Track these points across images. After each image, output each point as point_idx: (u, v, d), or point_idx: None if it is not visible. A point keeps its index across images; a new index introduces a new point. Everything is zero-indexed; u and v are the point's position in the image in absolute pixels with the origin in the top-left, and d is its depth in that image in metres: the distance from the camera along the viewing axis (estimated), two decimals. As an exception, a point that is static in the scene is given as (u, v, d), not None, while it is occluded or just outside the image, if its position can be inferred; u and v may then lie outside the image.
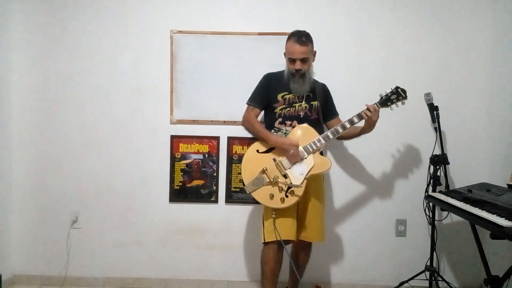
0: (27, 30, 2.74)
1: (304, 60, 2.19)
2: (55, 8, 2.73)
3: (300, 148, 2.16)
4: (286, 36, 2.29)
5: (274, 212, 2.14)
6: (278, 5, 2.72)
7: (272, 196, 2.13)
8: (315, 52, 2.32)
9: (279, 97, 2.29)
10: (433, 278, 2.52)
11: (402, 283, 2.59)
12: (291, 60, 2.21)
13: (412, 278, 2.55)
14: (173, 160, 2.76)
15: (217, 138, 2.75)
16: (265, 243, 2.19)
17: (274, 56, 2.63)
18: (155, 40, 2.73)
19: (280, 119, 2.29)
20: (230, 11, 2.72)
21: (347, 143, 2.68)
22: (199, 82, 2.73)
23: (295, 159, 2.15)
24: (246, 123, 2.36)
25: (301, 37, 2.18)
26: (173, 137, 2.75)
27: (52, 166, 2.77)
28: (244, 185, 2.19)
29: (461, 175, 2.70)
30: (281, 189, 2.13)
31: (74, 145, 2.77)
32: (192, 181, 2.77)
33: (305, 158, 2.15)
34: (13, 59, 2.74)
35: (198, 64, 2.72)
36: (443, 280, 2.54)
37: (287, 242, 2.18)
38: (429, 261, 2.54)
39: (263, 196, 2.15)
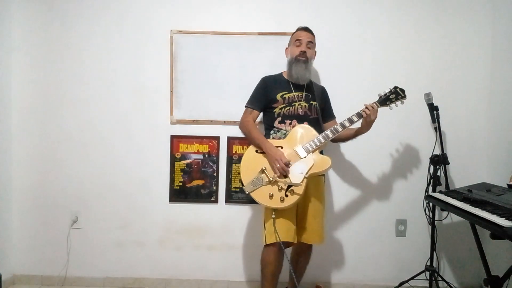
0: (28, 30, 2.74)
1: (309, 45, 2.26)
2: (55, 8, 2.74)
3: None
4: (286, 36, 2.41)
5: (274, 213, 2.11)
6: (278, 5, 2.72)
7: (271, 196, 2.10)
8: (316, 52, 2.36)
9: (278, 96, 2.27)
10: (433, 278, 2.52)
11: (402, 283, 2.59)
12: (298, 42, 2.26)
13: (412, 278, 2.55)
14: (173, 160, 2.76)
15: (217, 138, 2.75)
16: (266, 245, 2.16)
17: (274, 56, 2.64)
18: (155, 40, 2.73)
19: (280, 119, 2.27)
20: (230, 11, 2.72)
21: (348, 143, 2.67)
22: (199, 82, 2.73)
23: (279, 172, 2.10)
24: (243, 127, 2.32)
25: (308, 28, 2.32)
26: (173, 137, 2.75)
27: (52, 166, 2.78)
28: (243, 185, 2.17)
29: (461, 175, 2.71)
30: (280, 189, 2.10)
31: (74, 145, 2.77)
32: (192, 181, 2.77)
33: (305, 158, 2.14)
34: (14, 59, 2.74)
35: (198, 64, 2.72)
36: (443, 280, 2.54)
37: (287, 244, 2.16)
38: (429, 261, 2.54)
39: (262, 196, 2.11)
